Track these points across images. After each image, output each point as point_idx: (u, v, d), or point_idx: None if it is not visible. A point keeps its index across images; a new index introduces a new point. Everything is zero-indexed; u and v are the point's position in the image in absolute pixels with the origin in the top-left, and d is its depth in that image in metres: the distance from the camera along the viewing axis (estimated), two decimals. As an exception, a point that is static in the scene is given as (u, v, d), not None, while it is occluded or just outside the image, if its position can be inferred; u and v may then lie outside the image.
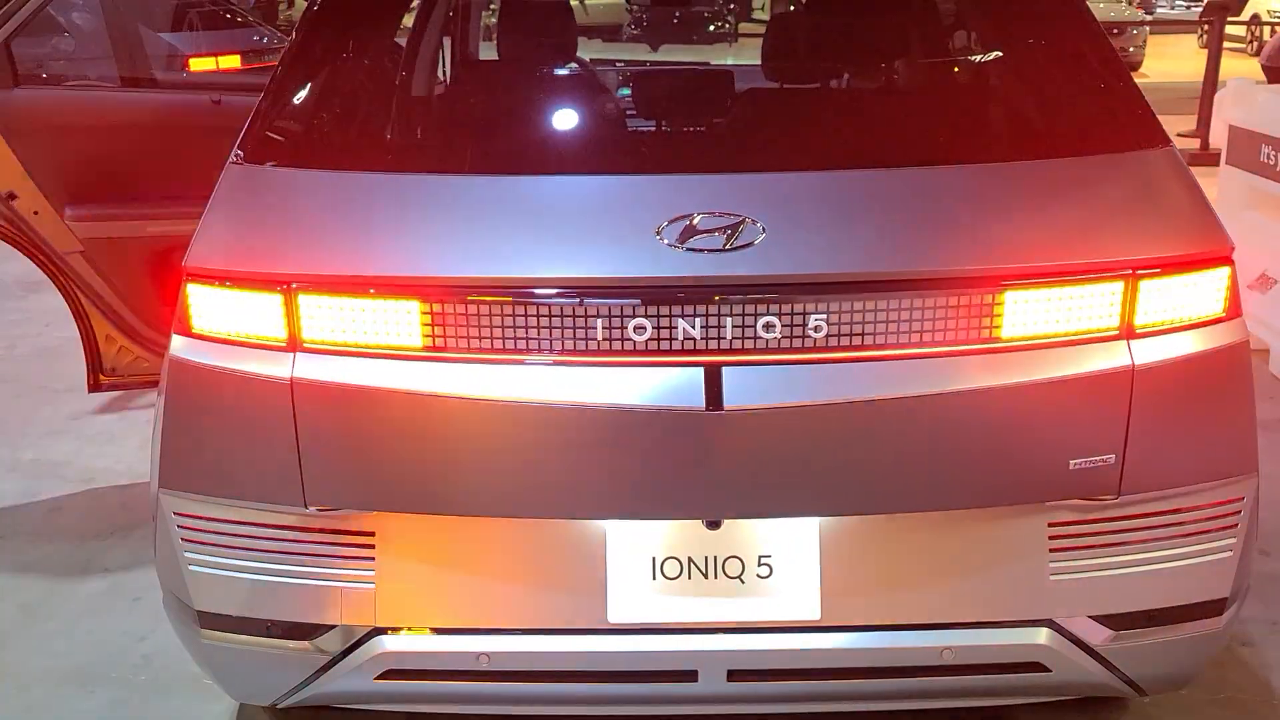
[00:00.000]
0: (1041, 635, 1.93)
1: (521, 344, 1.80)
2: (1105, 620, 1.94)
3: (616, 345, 1.80)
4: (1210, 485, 1.94)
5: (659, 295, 1.79)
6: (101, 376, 3.61)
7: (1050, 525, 1.92)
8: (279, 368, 1.87)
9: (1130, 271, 1.84)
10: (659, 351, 1.80)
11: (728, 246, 1.81)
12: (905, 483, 1.86)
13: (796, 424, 1.81)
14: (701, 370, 1.79)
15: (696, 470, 1.82)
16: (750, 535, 1.91)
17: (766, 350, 1.81)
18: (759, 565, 1.91)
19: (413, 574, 1.91)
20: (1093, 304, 1.85)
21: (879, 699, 2.07)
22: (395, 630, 1.92)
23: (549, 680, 1.97)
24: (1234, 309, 1.95)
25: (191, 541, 1.95)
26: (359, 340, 1.83)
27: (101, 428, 4.18)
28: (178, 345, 1.93)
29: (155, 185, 3.31)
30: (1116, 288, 1.84)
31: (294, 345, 1.86)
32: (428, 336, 1.81)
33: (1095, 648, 1.94)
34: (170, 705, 2.58)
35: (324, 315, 1.84)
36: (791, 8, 4.30)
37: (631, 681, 1.97)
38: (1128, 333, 1.85)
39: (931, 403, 1.80)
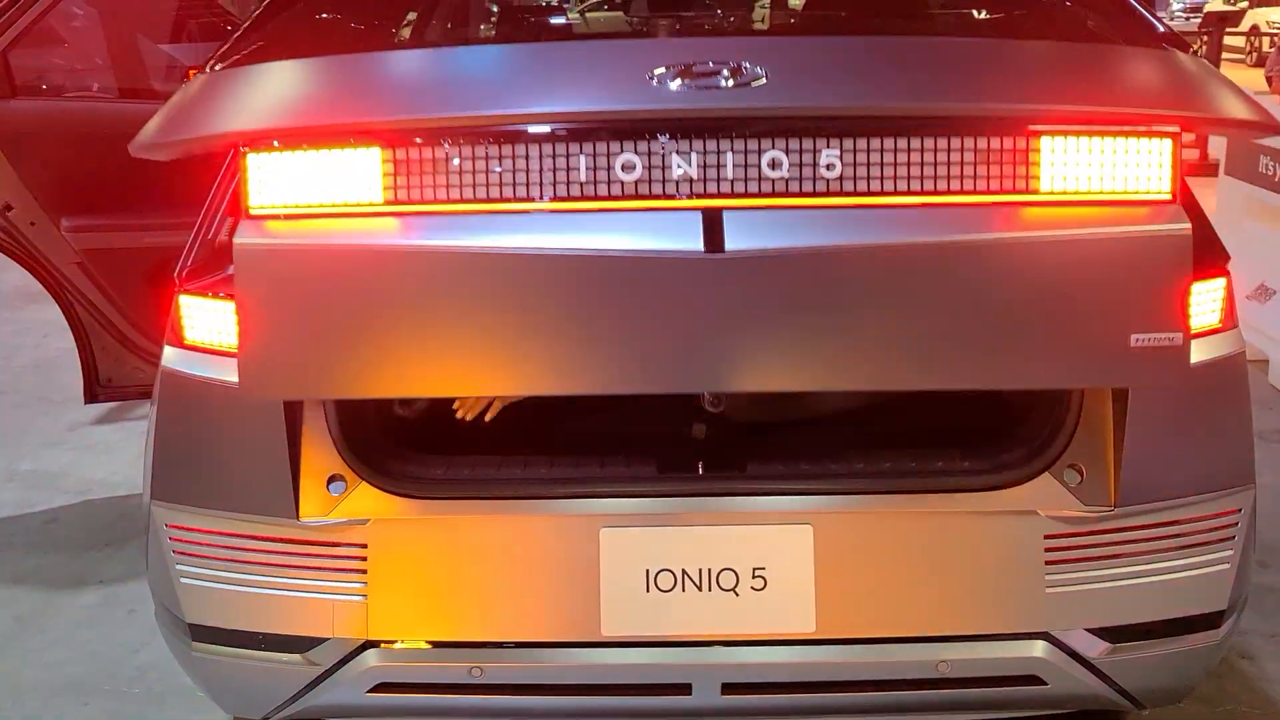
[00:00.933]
0: (1038, 648, 1.92)
1: (495, 191, 1.63)
2: (1102, 633, 1.93)
3: (603, 187, 1.61)
4: (1207, 497, 1.93)
5: (650, 128, 1.61)
6: (98, 388, 3.61)
7: (1046, 537, 1.90)
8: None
9: (1177, 130, 1.66)
10: (651, 195, 1.62)
11: (729, 84, 1.62)
12: (926, 349, 1.64)
13: (805, 271, 1.59)
14: (700, 213, 1.61)
15: (693, 327, 1.61)
16: (744, 546, 1.89)
17: (772, 193, 1.62)
18: (753, 577, 1.90)
19: (405, 586, 1.90)
20: (1140, 159, 1.65)
21: (874, 712, 2.06)
22: (387, 644, 1.91)
23: (542, 694, 1.96)
24: (1230, 320, 1.94)
25: (183, 554, 1.94)
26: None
27: (99, 439, 4.18)
28: (170, 356, 1.93)
29: (152, 196, 3.31)
30: (1165, 145, 1.66)
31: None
32: (389, 188, 1.65)
33: (1092, 660, 1.93)
34: (165, 717, 2.57)
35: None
36: None
37: (625, 695, 1.96)
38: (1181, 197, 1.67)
39: (961, 253, 1.60)
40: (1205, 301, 1.90)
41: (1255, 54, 14.78)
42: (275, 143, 1.67)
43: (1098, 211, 1.66)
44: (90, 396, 3.63)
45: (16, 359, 5.14)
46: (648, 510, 1.91)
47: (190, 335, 1.92)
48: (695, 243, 1.59)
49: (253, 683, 1.99)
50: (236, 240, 1.67)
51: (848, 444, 2.03)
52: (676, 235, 1.60)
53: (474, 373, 1.70)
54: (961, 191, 1.64)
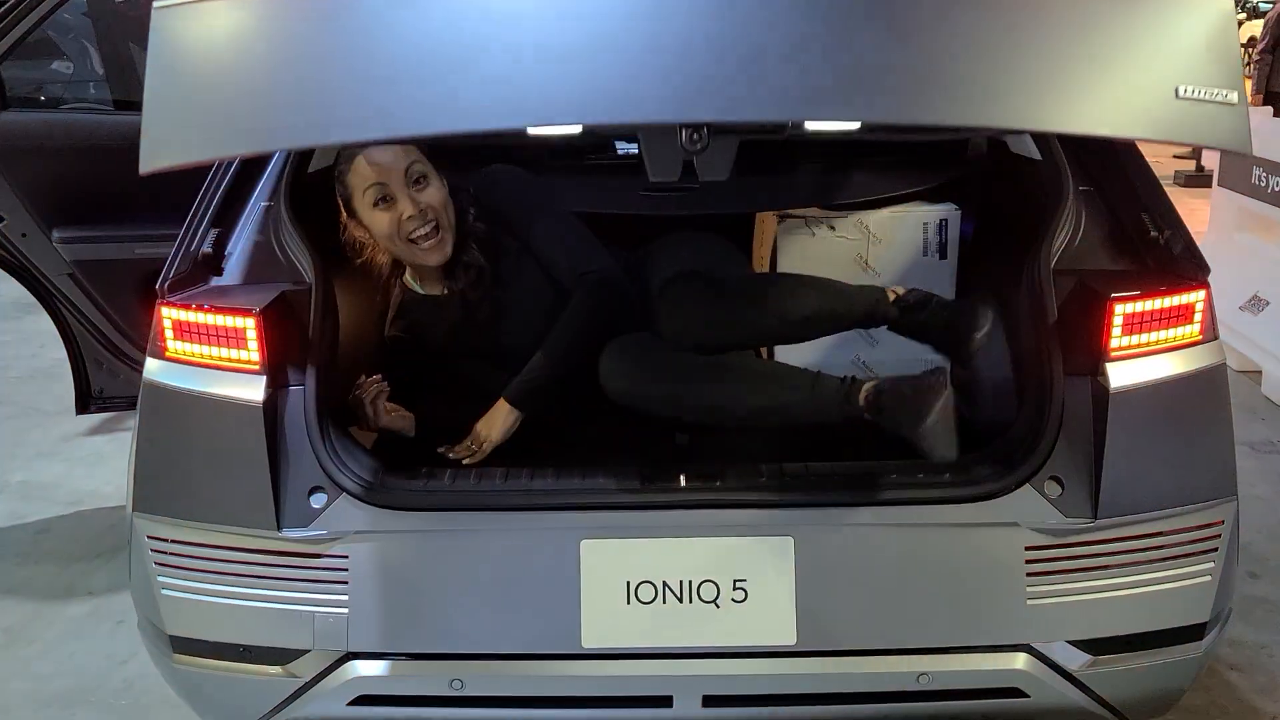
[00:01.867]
0: (1019, 660, 1.91)
1: None
2: (1084, 645, 1.92)
3: None
4: (1189, 508, 1.93)
5: None
6: (90, 398, 3.61)
7: (1028, 549, 1.90)
8: (252, 390, 1.88)
9: None
10: None
11: None
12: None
13: None
14: None
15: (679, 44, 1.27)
16: (725, 557, 1.89)
17: None
18: (734, 589, 1.89)
19: (385, 598, 1.90)
20: None
21: None
22: (368, 655, 1.91)
23: (522, 706, 1.96)
24: (1210, 331, 1.95)
25: (164, 565, 1.94)
26: None
27: (91, 449, 4.18)
28: (152, 368, 1.93)
29: (144, 207, 3.32)
30: None
31: None
32: None
33: (1074, 673, 1.93)
34: (150, 730, 2.57)
35: None
36: None
37: (605, 707, 1.95)
38: None
39: None
40: (1185, 314, 1.91)
41: (1251, 64, 14.84)
42: None
43: None
44: (82, 408, 3.63)
45: (12, 369, 5.14)
46: (628, 522, 1.91)
47: (172, 347, 1.93)
48: None
49: (234, 694, 1.99)
50: None
51: (829, 455, 2.03)
52: None
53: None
54: None
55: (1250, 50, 10.45)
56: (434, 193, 2.24)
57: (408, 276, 2.43)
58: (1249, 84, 9.19)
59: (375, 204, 2.22)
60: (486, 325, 2.37)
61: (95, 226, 3.39)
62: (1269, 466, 3.84)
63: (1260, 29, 8.38)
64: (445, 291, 2.38)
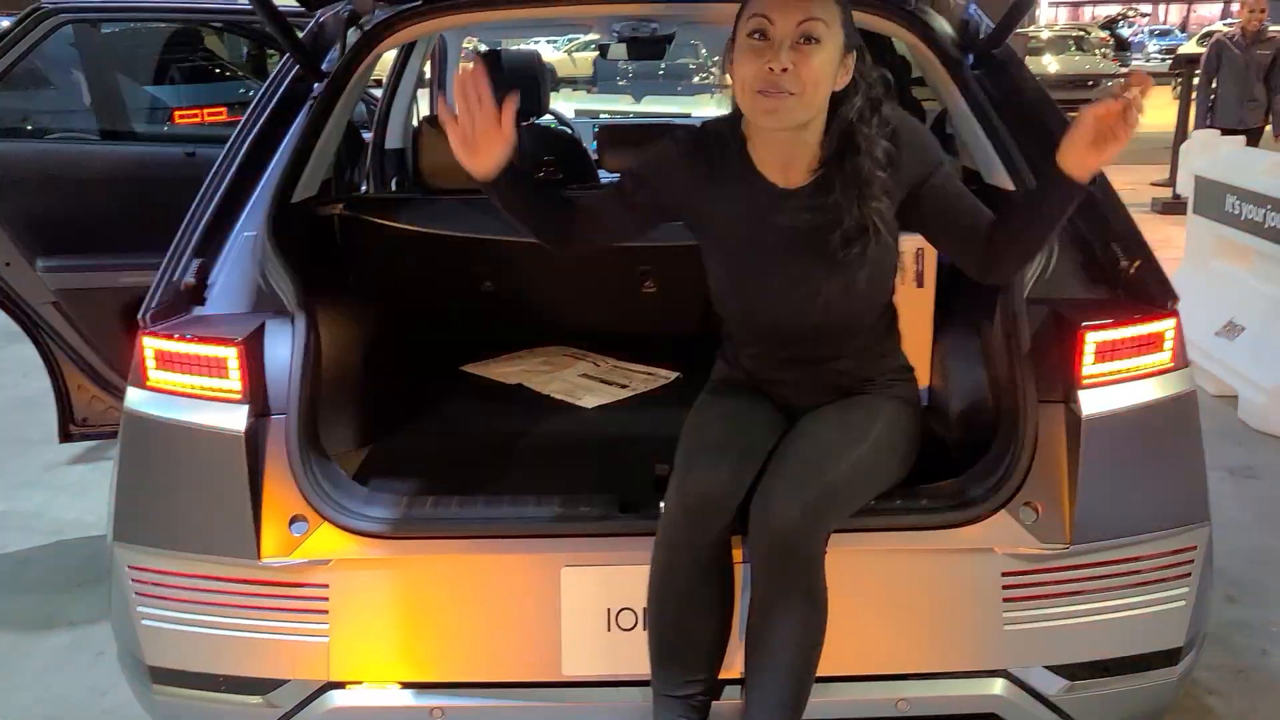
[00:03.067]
0: (997, 685, 1.93)
1: None
2: (1061, 670, 1.94)
3: None
4: (1162, 534, 1.95)
5: None
6: (73, 426, 3.62)
7: (1004, 574, 1.92)
8: (234, 419, 1.89)
9: None
10: None
11: None
12: None
13: None
14: None
15: None
16: None
17: None
18: None
19: (366, 627, 1.91)
20: None
21: None
22: (348, 685, 1.91)
23: None
24: (1180, 359, 1.98)
25: (143, 595, 1.94)
26: None
27: (75, 478, 4.16)
28: (133, 397, 1.94)
29: (128, 236, 3.34)
30: None
31: None
32: None
33: (1050, 698, 1.94)
34: (130, 761, 2.55)
35: None
36: None
37: None
38: None
39: None
40: (1155, 342, 1.94)
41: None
42: None
43: None
44: (65, 436, 3.63)
45: (-4, 398, 5.13)
46: (609, 549, 1.92)
47: (154, 376, 1.94)
48: None
49: (214, 725, 1.99)
50: None
51: None
52: None
53: None
54: None
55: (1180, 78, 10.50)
56: None
57: None
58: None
59: None
60: None
61: (79, 255, 3.41)
62: (1246, 491, 3.87)
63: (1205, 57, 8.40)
64: None
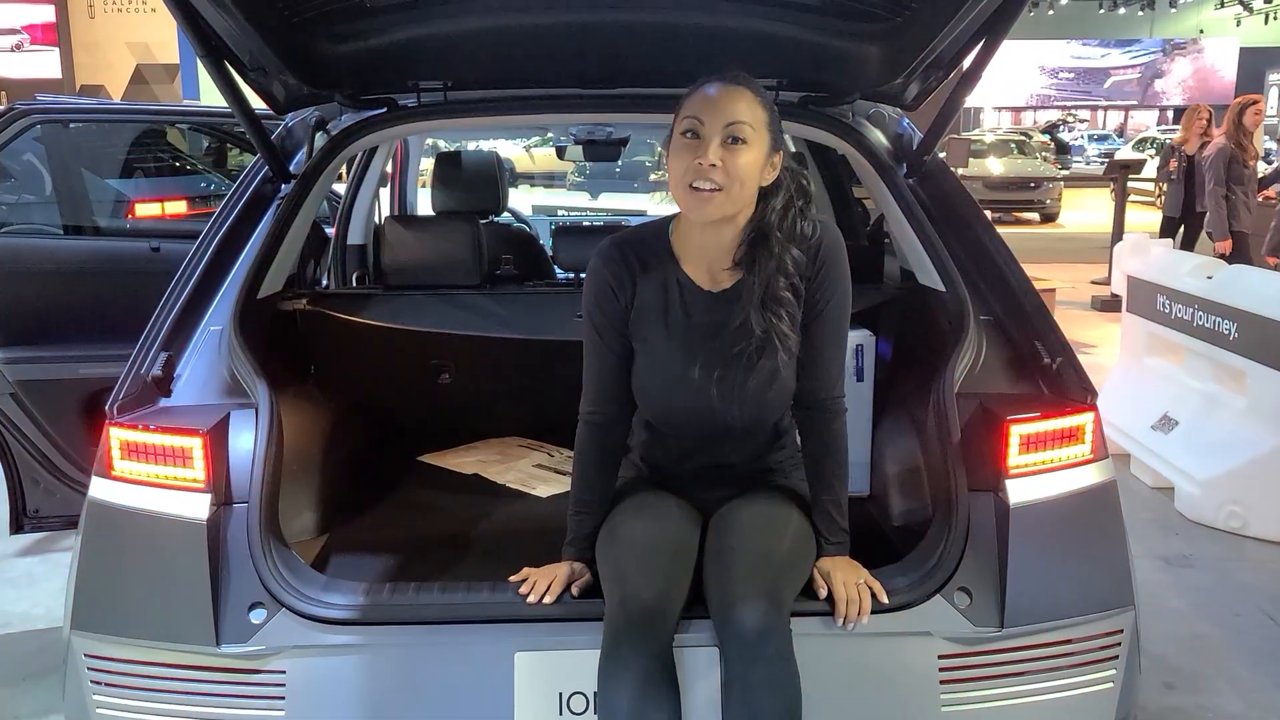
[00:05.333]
0: (936, 767, 1.99)
1: None
2: (998, 752, 2.01)
3: None
4: (1089, 618, 2.04)
5: None
6: (24, 518, 3.60)
7: (940, 657, 1.99)
8: (196, 508, 1.94)
9: None
10: None
11: None
12: None
13: None
14: None
15: None
16: None
17: None
18: None
19: (323, 713, 1.93)
20: None
21: None
22: None
23: None
24: (1100, 451, 2.10)
25: (100, 684, 1.95)
26: None
27: (22, 570, 4.11)
28: (97, 487, 1.99)
29: (90, 328, 3.39)
30: None
31: None
32: None
33: None
34: None
35: None
36: None
37: None
38: None
39: None
40: (1076, 434, 2.06)
41: (1163, 197, 15.68)
42: None
43: None
44: (16, 527, 3.61)
45: (-59, 490, 5.06)
46: (560, 634, 1.97)
47: (119, 466, 1.99)
48: None
49: (167, 816, 1.99)
50: None
51: None
52: None
53: None
54: None
55: (1161, 183, 11.01)
56: None
57: None
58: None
59: None
60: None
61: (40, 347, 3.44)
62: (1182, 580, 3.99)
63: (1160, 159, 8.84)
64: None
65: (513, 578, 2.04)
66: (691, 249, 2.05)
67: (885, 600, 1.97)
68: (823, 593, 1.99)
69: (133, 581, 1.97)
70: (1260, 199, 8.03)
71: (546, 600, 1.98)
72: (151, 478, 1.96)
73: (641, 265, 2.06)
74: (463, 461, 2.98)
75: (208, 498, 1.96)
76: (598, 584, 2.01)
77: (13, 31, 13.59)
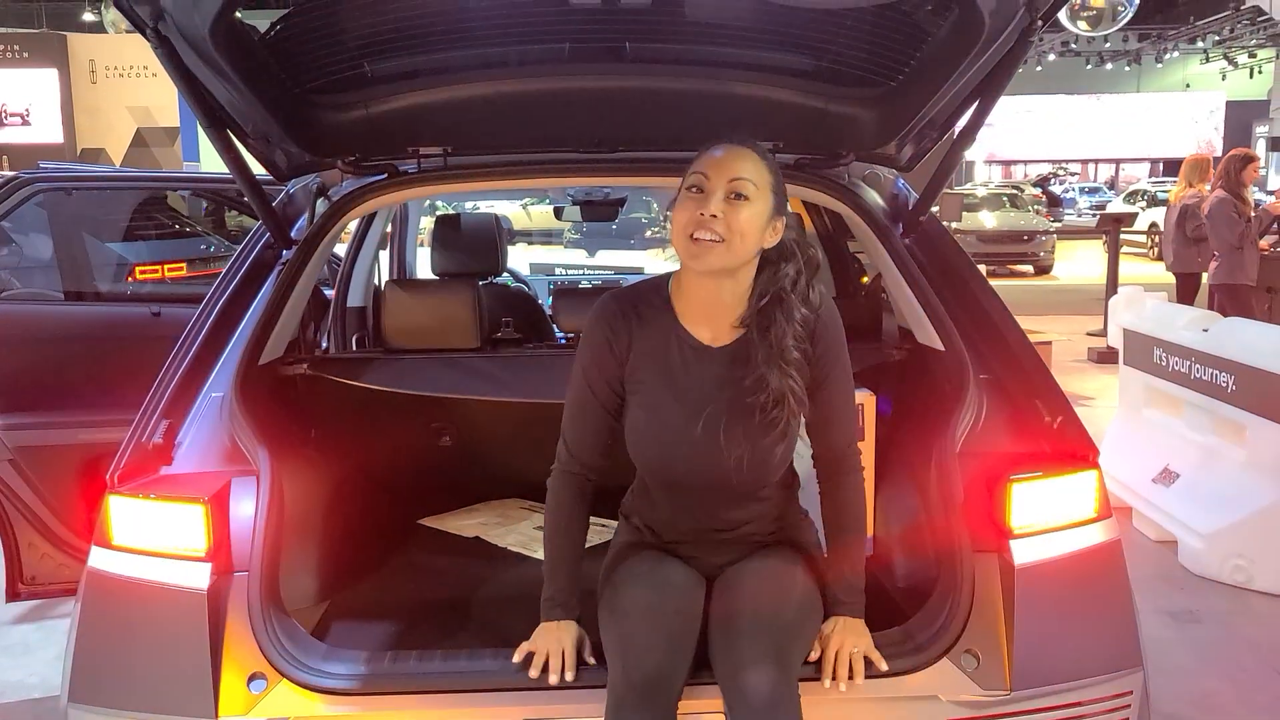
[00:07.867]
0: (948, 832, 1.96)
1: None
2: (1010, 816, 1.98)
3: None
4: (1097, 680, 2.02)
5: None
6: (21, 585, 3.57)
7: (950, 721, 1.98)
8: (197, 578, 1.93)
9: None
10: None
11: None
12: None
13: None
14: None
15: None
16: None
17: None
18: None
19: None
20: None
21: None
22: None
23: None
24: (1104, 510, 2.09)
25: (98, 758, 1.93)
26: None
27: (18, 638, 4.07)
28: (97, 557, 1.98)
29: (90, 395, 3.38)
30: None
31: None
32: None
33: None
34: None
35: None
36: None
37: None
38: None
39: None
40: (1079, 493, 2.06)
41: (1155, 248, 15.81)
42: None
43: None
44: (12, 595, 3.58)
45: (-63, 556, 5.02)
46: (566, 702, 1.95)
47: (119, 537, 1.98)
48: None
49: None
50: None
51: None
52: None
53: None
54: None
55: (1152, 235, 11.10)
56: None
57: None
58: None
59: None
60: None
61: (39, 413, 3.43)
62: (1189, 636, 3.95)
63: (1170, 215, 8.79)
64: None
65: (516, 657, 1.99)
66: (691, 304, 2.06)
67: (884, 668, 1.95)
68: (814, 654, 1.97)
69: (131, 652, 1.95)
70: (1264, 251, 8.03)
71: (568, 677, 1.95)
72: (151, 547, 1.95)
73: (640, 318, 2.07)
74: (463, 524, 2.96)
75: (208, 566, 1.95)
76: (598, 640, 1.99)
77: (19, 115, 13.84)
